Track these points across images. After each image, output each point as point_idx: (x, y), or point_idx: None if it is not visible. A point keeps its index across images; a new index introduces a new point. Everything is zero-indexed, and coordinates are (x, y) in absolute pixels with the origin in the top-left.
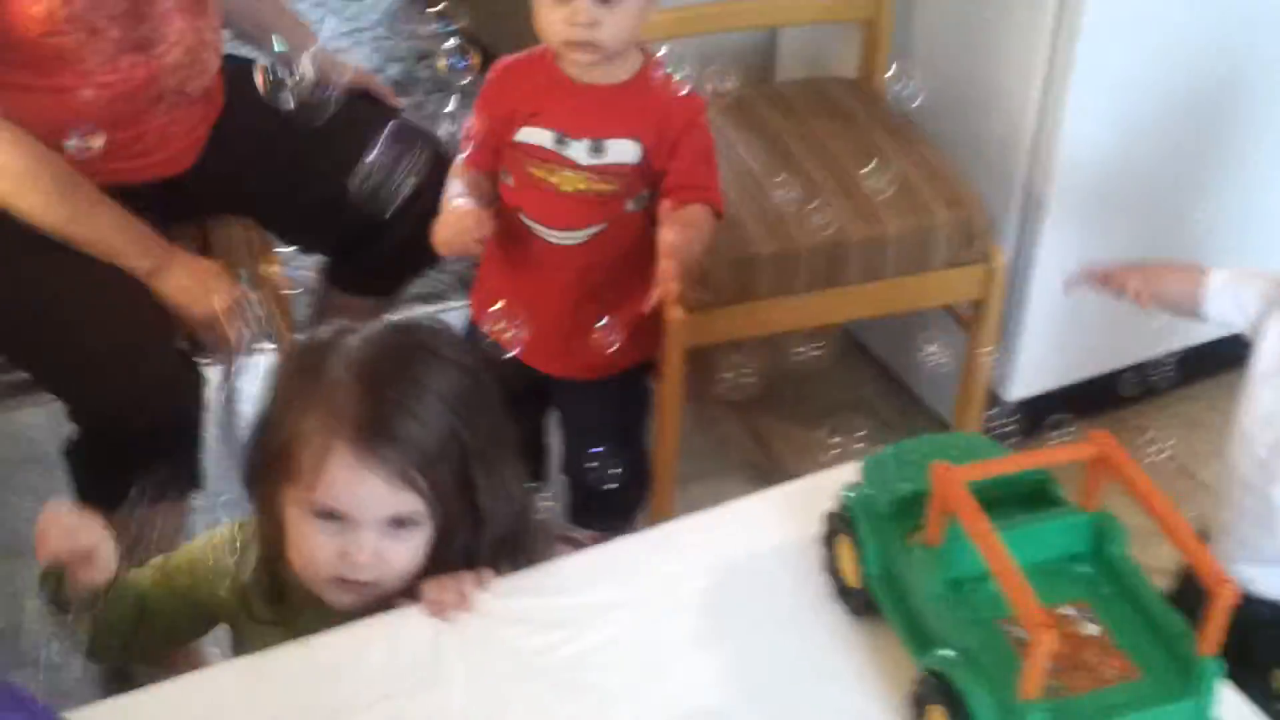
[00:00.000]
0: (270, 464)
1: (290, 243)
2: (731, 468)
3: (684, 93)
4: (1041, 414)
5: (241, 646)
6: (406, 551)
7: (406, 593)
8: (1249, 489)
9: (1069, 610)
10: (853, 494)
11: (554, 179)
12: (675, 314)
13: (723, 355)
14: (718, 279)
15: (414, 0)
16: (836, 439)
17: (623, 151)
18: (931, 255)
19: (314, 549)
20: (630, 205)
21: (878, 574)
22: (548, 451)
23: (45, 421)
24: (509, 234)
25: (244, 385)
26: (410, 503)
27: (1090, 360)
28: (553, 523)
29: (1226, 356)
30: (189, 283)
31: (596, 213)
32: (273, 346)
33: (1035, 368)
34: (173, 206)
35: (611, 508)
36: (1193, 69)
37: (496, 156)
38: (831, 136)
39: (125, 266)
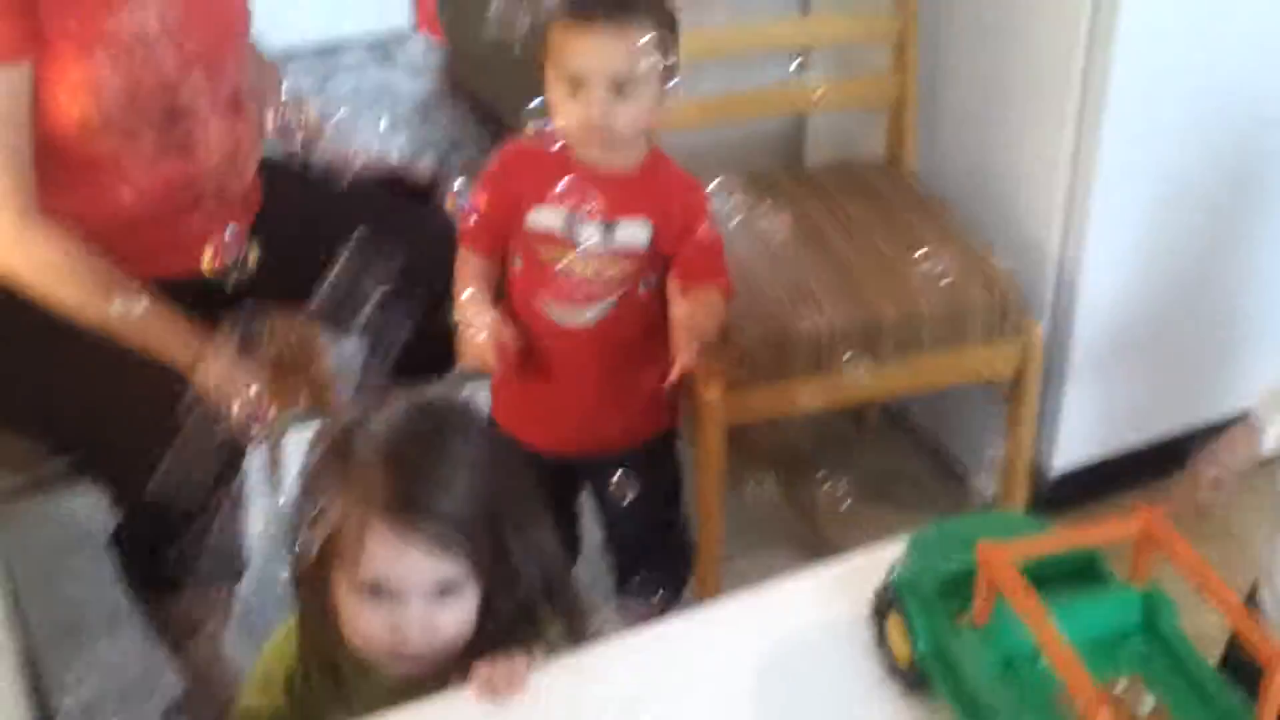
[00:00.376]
0: (313, 550)
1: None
2: (777, 542)
3: (692, 183)
4: (1086, 485)
5: None
6: (454, 618)
7: (460, 668)
8: None
9: (1122, 687)
10: (900, 571)
11: (566, 261)
12: (713, 393)
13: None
14: (754, 357)
15: (445, 91)
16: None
17: (633, 234)
18: (967, 332)
19: (366, 626)
20: (642, 288)
21: (929, 652)
22: (581, 538)
23: (94, 506)
24: (519, 320)
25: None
26: (451, 569)
27: (1133, 430)
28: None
29: None
30: (226, 376)
31: (605, 294)
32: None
33: (1077, 439)
34: (214, 302)
35: (657, 582)
36: (1226, 132)
37: (500, 240)
38: (864, 217)
39: (164, 359)
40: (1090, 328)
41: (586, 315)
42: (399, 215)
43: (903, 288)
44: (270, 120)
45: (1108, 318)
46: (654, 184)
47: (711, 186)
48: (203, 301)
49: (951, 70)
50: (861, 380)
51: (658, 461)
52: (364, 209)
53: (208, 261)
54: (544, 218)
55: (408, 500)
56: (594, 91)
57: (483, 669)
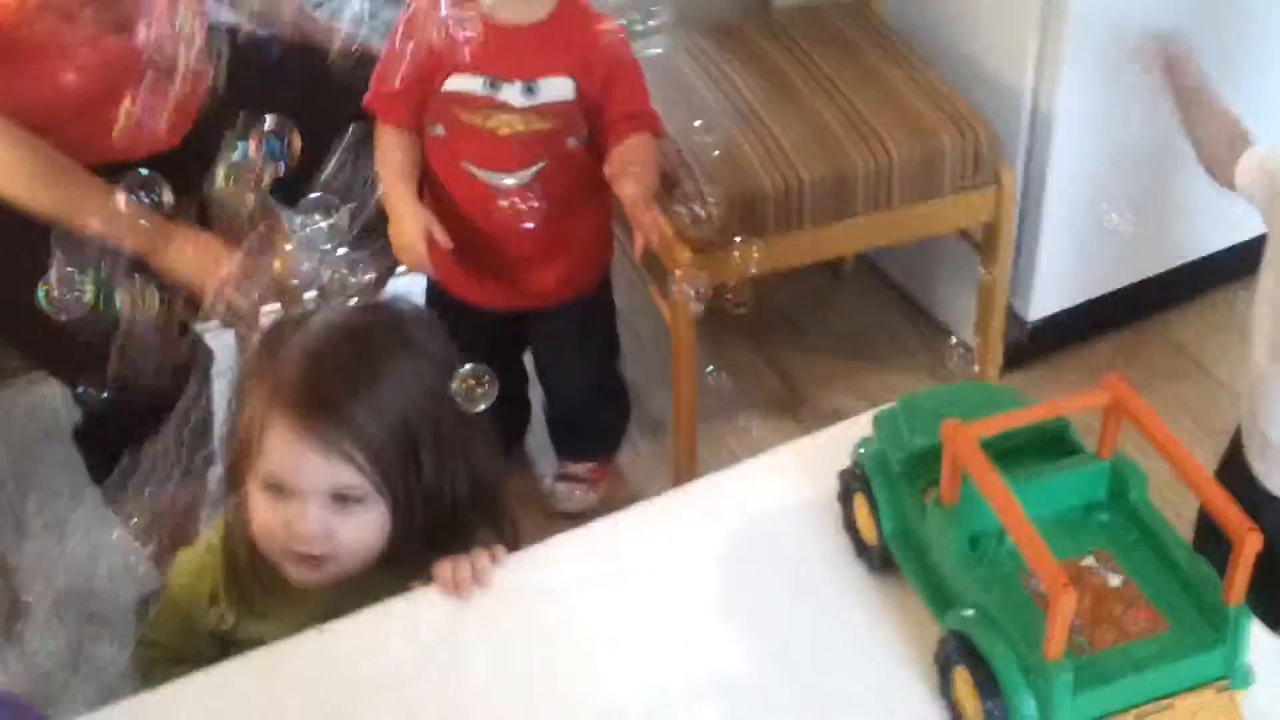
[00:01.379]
0: (234, 443)
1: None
2: (753, 402)
3: (606, 24)
4: (1063, 331)
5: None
6: (355, 529)
7: (387, 579)
8: (1264, 379)
9: (1090, 562)
10: (865, 450)
11: (490, 124)
12: (682, 255)
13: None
14: (724, 217)
15: None
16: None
17: (556, 89)
18: (940, 181)
19: (265, 520)
20: (571, 142)
21: (894, 532)
22: (529, 402)
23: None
24: (448, 184)
25: None
26: (350, 477)
27: (1107, 275)
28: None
29: (1246, 264)
30: (191, 258)
31: (538, 152)
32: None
33: (1053, 285)
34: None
35: (596, 435)
36: None
37: (417, 108)
38: (831, 64)
39: (124, 248)
40: (1064, 173)
41: (517, 176)
42: (353, 88)
43: (873, 138)
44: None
45: (1082, 162)
46: (570, 35)
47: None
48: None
49: None
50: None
51: (593, 311)
52: (319, 83)
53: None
54: (463, 81)
55: (313, 401)
56: None
57: (444, 567)
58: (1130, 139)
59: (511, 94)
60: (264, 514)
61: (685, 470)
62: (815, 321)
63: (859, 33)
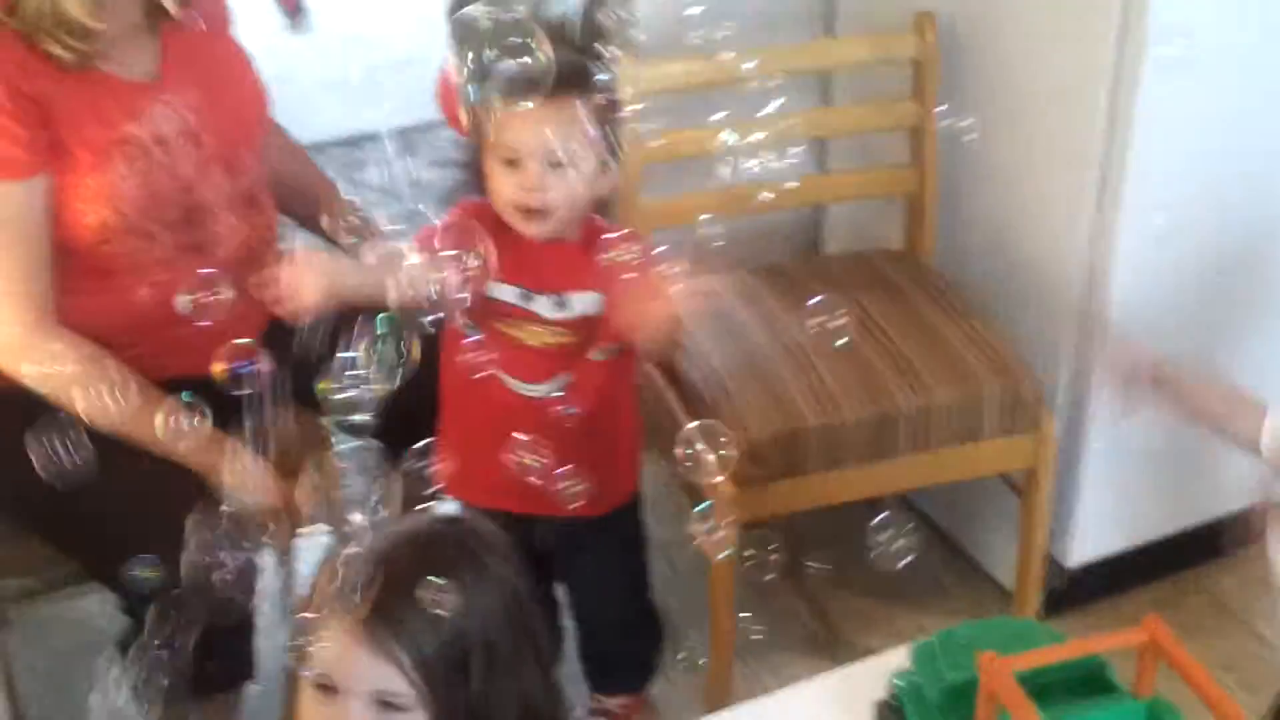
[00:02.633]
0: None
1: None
2: (789, 640)
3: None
4: (1104, 579)
5: None
6: None
7: None
8: None
9: None
10: (902, 683)
11: (519, 333)
12: (724, 489)
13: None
14: (765, 453)
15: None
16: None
17: (586, 303)
18: (980, 424)
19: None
20: (595, 355)
21: None
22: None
23: (107, 609)
24: (474, 389)
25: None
26: (394, 683)
27: (1148, 524)
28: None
29: None
30: (244, 478)
31: (562, 364)
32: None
33: (1093, 533)
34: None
35: (628, 667)
36: (1241, 220)
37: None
38: (878, 308)
39: (180, 460)
40: (1108, 420)
41: (544, 388)
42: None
43: (916, 381)
44: (331, 224)
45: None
46: (597, 251)
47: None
48: (221, 401)
49: (970, 159)
50: (875, 474)
51: (622, 534)
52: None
53: (218, 371)
54: (501, 290)
55: (372, 602)
56: (531, 166)
57: None
58: None
59: (543, 306)
60: (311, 714)
61: (719, 705)
62: (854, 562)
63: (905, 278)
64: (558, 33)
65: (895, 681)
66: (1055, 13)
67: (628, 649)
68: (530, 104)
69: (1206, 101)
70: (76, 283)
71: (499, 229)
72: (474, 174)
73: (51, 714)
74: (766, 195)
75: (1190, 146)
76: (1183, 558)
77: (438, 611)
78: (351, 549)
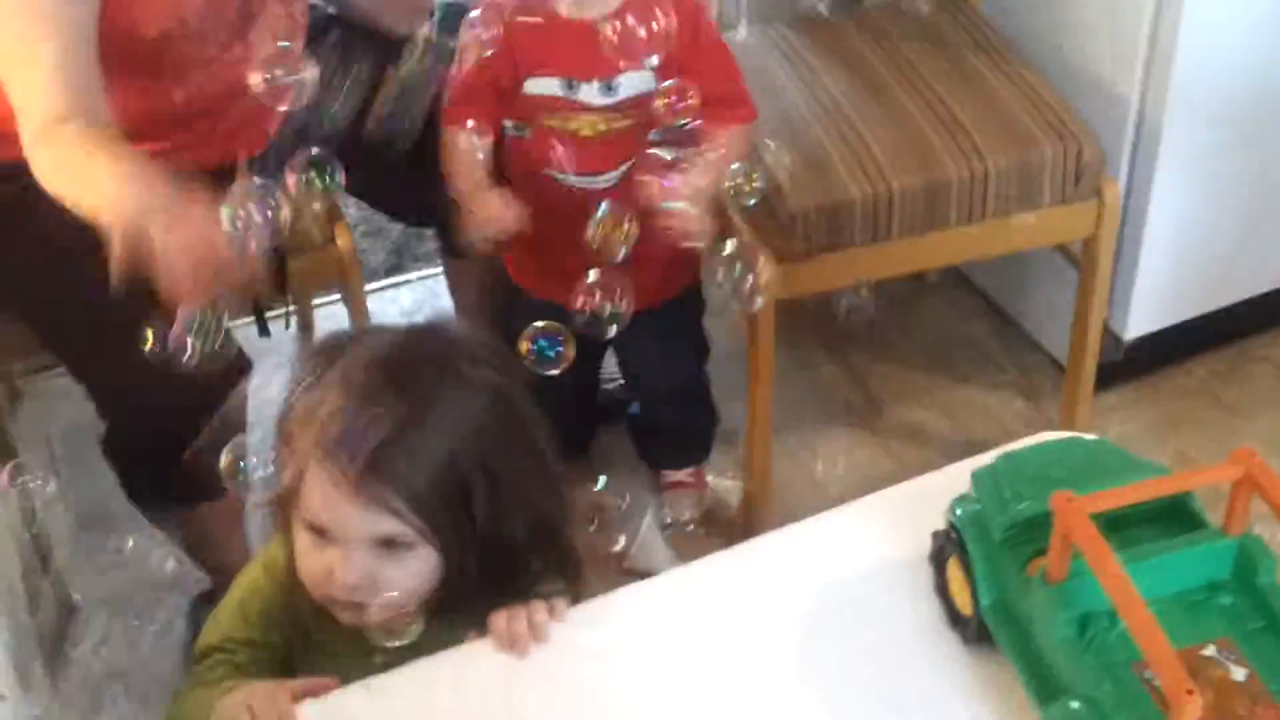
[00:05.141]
0: (278, 481)
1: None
2: (830, 411)
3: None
4: (1158, 350)
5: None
6: (403, 575)
7: (441, 622)
8: None
9: (1211, 651)
10: (963, 512)
11: (572, 126)
12: (768, 270)
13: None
14: (807, 226)
15: None
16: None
17: (635, 83)
18: (1039, 192)
19: (307, 565)
20: (655, 135)
21: (993, 605)
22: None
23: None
24: (532, 188)
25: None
26: (393, 527)
27: (1208, 295)
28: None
29: None
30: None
31: (623, 151)
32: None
33: (1151, 304)
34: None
35: (690, 439)
36: None
37: (495, 113)
38: (926, 64)
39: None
40: (1172, 186)
41: (606, 178)
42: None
43: (969, 146)
44: None
45: (1188, 176)
46: (645, 13)
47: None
48: None
49: None
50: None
51: (682, 317)
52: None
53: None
54: (542, 84)
55: (355, 450)
56: None
57: (499, 620)
58: (1237, 158)
59: (590, 94)
60: (308, 558)
61: (760, 483)
62: (898, 331)
63: (956, 30)
64: None
65: (955, 510)
66: None
67: (690, 422)
68: None
69: None
70: (121, 79)
71: (529, 11)
72: None
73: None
74: None
75: None
76: (1242, 327)
77: (422, 442)
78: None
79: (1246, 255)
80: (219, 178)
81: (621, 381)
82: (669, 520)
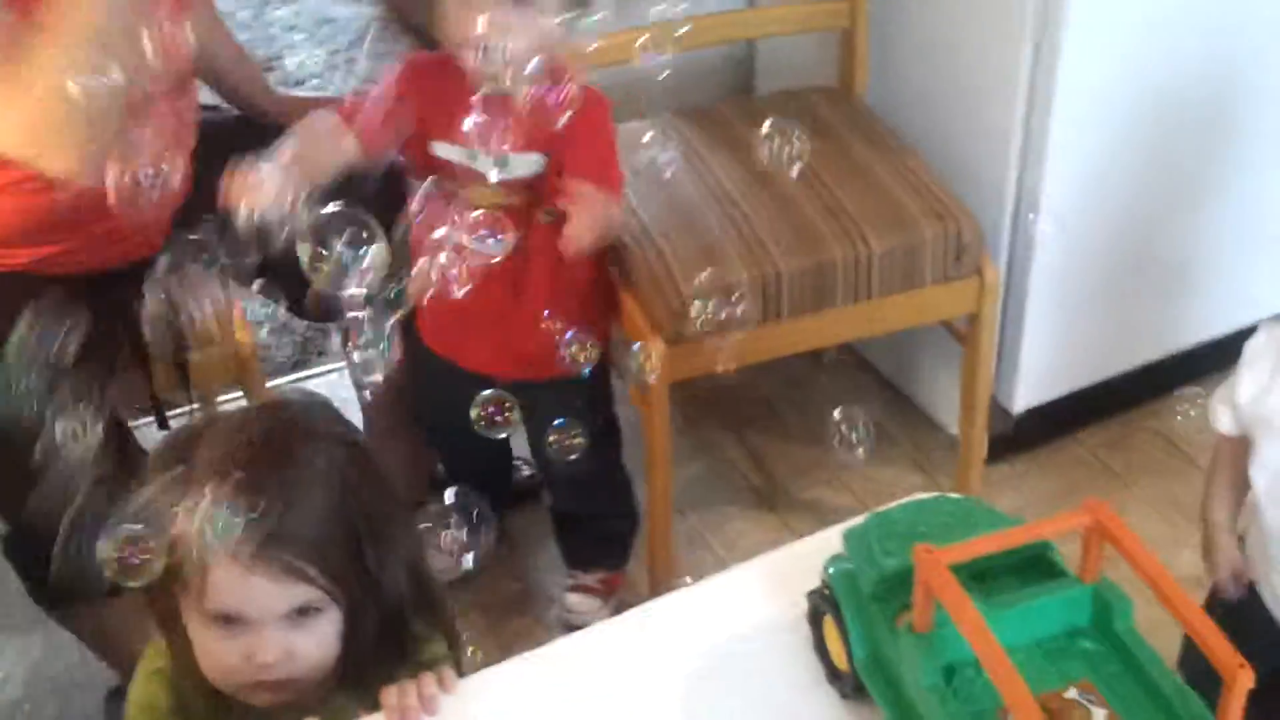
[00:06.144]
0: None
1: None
2: (731, 492)
3: (591, 96)
4: (1046, 422)
5: None
6: (315, 642)
7: (337, 691)
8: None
9: (1073, 693)
10: (835, 570)
11: (467, 194)
12: (657, 347)
13: None
14: (699, 308)
15: (388, 23)
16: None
17: (526, 165)
18: (922, 272)
19: (221, 657)
20: (542, 218)
21: (866, 658)
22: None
23: None
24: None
25: None
26: (306, 592)
27: (1092, 366)
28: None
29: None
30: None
31: (510, 226)
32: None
33: (1037, 377)
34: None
35: (597, 546)
36: (1181, 65)
37: (382, 139)
38: (812, 152)
39: None
40: (1048, 264)
41: (493, 248)
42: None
43: (853, 229)
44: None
45: (1065, 253)
46: (546, 103)
47: (648, 136)
48: (135, 286)
49: None
50: (813, 326)
51: (590, 395)
52: None
53: None
54: (447, 150)
55: (248, 531)
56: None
57: (390, 695)
58: (1113, 234)
59: (485, 165)
60: (216, 650)
61: (662, 570)
62: (795, 410)
63: (840, 118)
64: None
65: (828, 569)
66: None
67: (604, 521)
68: None
69: None
70: None
71: (447, 83)
72: (392, 10)
73: None
74: (683, 30)
75: None
76: (1127, 399)
77: (307, 501)
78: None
79: (1127, 328)
80: (113, 281)
81: (530, 473)
82: (567, 619)
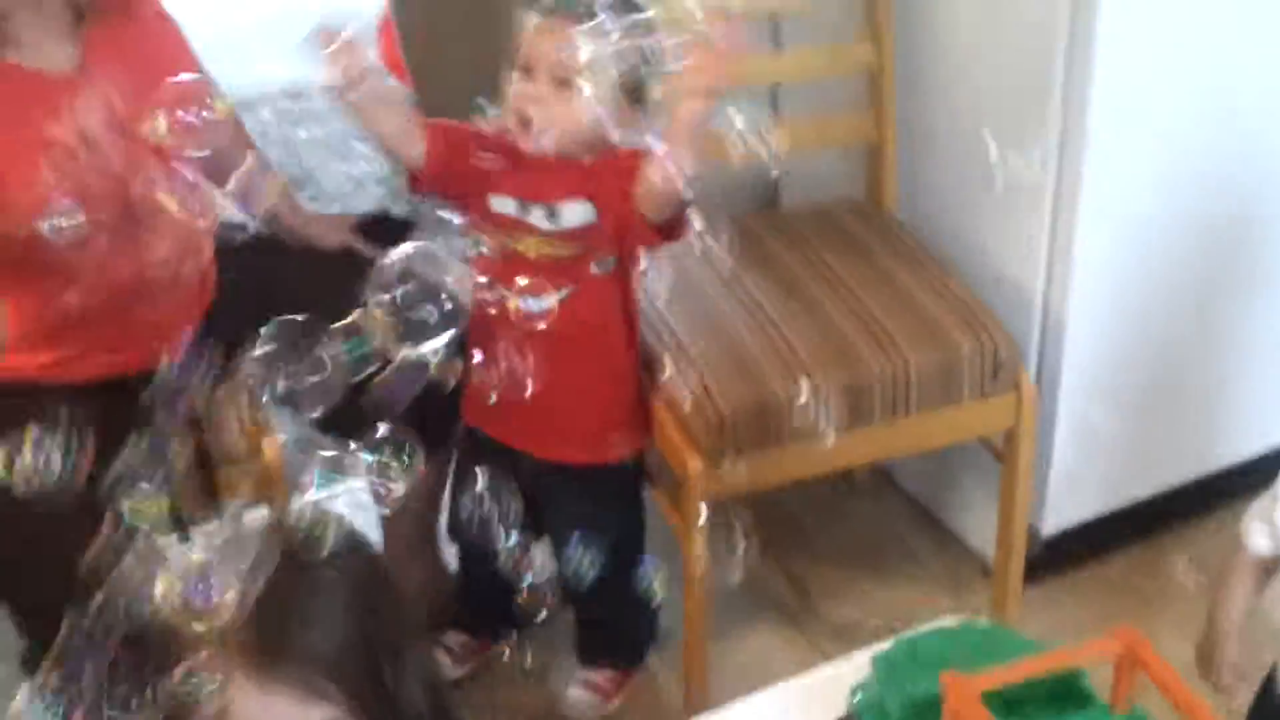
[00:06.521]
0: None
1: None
2: (765, 614)
3: (632, 151)
4: (1077, 544)
5: None
6: None
7: None
8: None
9: None
10: (863, 697)
11: (520, 246)
12: (694, 465)
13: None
14: (737, 426)
15: None
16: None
17: (577, 213)
18: (959, 387)
19: None
20: (595, 269)
21: None
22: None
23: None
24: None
25: None
26: (327, 711)
27: (1124, 487)
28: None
29: (1264, 477)
30: None
31: (563, 277)
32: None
33: (1067, 498)
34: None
35: (609, 641)
36: (1209, 179)
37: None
38: (843, 265)
39: None
40: (1076, 383)
41: (546, 302)
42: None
43: (889, 344)
44: (235, 185)
45: (1094, 370)
46: (597, 166)
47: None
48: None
49: (928, 104)
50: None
51: (619, 488)
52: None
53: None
54: (500, 203)
55: (270, 643)
56: (539, 78)
57: None
58: (1144, 346)
59: (538, 217)
60: None
61: (696, 687)
62: (826, 531)
63: (869, 232)
64: None
65: (855, 696)
66: None
67: (619, 617)
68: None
69: (1173, 39)
70: (6, 283)
71: (501, 146)
72: None
73: None
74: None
75: (1155, 94)
76: (1159, 520)
77: (324, 617)
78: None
79: (1158, 447)
80: (134, 384)
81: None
82: (568, 715)
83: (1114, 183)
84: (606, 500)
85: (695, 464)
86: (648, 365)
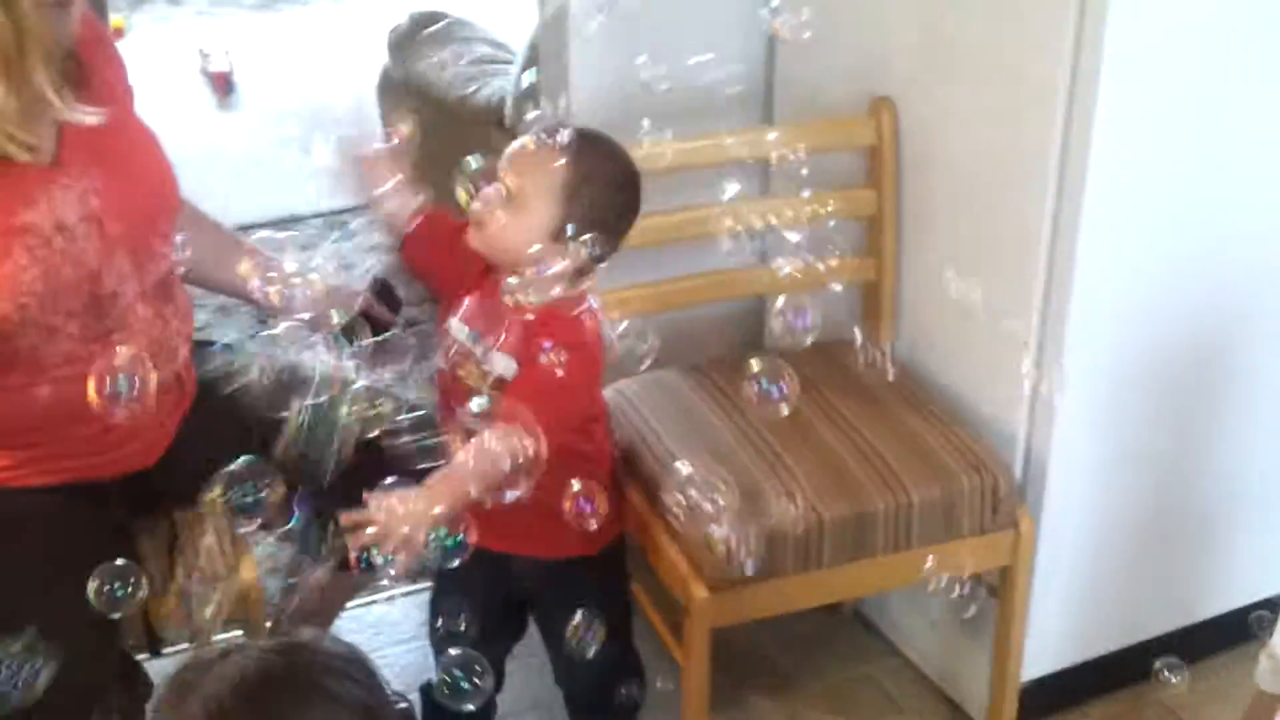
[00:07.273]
0: None
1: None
2: None
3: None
4: (1054, 693)
5: None
6: None
7: None
8: None
9: None
10: None
11: (461, 372)
12: (699, 593)
13: None
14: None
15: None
16: None
17: (503, 365)
18: (959, 523)
19: None
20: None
21: None
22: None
23: None
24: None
25: None
26: None
27: (1102, 636)
28: None
29: (1243, 632)
30: None
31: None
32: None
33: (1046, 645)
34: (142, 500)
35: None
36: (1191, 318)
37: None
38: (842, 400)
39: None
40: (1058, 528)
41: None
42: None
43: (891, 477)
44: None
45: (1077, 516)
46: (532, 323)
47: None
48: (132, 501)
49: (922, 242)
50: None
51: (604, 579)
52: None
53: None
54: (455, 327)
55: None
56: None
57: None
58: (1127, 492)
59: (481, 353)
60: None
61: None
62: (806, 667)
63: (867, 370)
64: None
65: None
66: (999, 90)
67: (606, 691)
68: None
69: (1161, 189)
70: None
71: (483, 275)
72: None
73: None
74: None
75: (1142, 242)
76: (1136, 670)
77: None
78: None
79: (1138, 596)
80: (111, 491)
81: None
82: None
83: (1097, 326)
84: (599, 589)
85: (700, 592)
86: (651, 492)
